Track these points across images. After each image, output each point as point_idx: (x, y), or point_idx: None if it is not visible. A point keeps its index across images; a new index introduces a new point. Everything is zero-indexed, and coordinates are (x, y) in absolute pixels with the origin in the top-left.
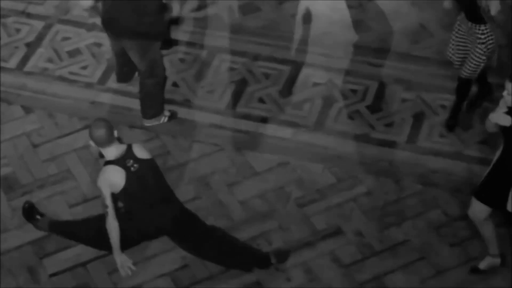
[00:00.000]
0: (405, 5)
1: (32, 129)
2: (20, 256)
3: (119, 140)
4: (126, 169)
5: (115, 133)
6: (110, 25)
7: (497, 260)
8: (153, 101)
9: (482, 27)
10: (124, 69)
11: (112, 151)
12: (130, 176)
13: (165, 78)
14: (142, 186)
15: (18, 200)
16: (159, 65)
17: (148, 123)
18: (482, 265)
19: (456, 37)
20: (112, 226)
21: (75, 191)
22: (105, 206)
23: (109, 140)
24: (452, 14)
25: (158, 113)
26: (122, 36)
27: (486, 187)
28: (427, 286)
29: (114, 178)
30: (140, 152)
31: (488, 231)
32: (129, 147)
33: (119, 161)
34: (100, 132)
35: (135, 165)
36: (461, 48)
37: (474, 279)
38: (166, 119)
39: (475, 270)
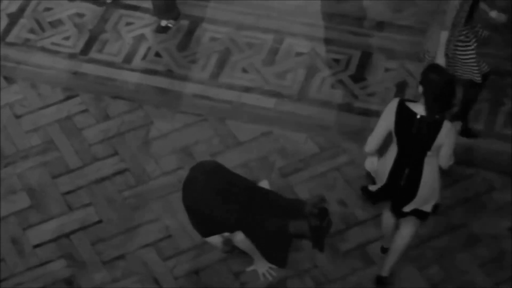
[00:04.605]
0: None
1: (15, 99)
2: (3, 227)
3: None
4: None
5: None
6: None
7: None
8: None
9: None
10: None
11: None
12: None
13: None
14: None
15: (1, 171)
16: None
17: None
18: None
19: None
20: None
21: (59, 161)
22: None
23: None
24: None
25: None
26: None
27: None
28: (409, 255)
29: None
30: None
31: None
32: None
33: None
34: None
35: None
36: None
37: (457, 247)
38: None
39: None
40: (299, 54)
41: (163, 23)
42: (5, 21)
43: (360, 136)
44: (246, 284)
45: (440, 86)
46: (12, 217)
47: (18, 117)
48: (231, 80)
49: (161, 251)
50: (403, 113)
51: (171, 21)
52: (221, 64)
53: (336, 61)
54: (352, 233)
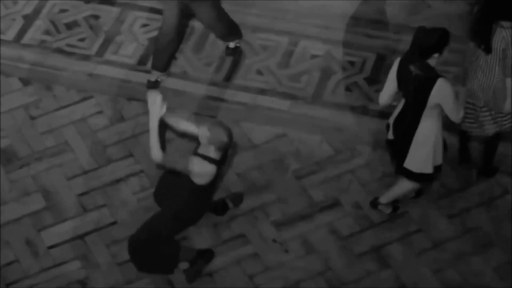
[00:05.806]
0: None
1: (30, 101)
2: (18, 229)
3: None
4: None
5: None
6: None
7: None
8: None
9: None
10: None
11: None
12: None
13: None
14: None
15: (16, 173)
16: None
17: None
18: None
19: None
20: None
21: (73, 163)
22: None
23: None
24: None
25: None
26: None
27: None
28: (424, 258)
29: None
30: None
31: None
32: None
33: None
34: (228, 140)
35: None
36: None
37: (471, 251)
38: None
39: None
40: (314, 56)
41: (231, 45)
42: (20, 23)
43: (375, 138)
44: (260, 286)
45: (416, 34)
46: (27, 219)
47: (33, 118)
48: (245, 82)
49: None
50: (402, 71)
51: (237, 40)
52: (236, 66)
53: (351, 63)
54: (367, 236)
